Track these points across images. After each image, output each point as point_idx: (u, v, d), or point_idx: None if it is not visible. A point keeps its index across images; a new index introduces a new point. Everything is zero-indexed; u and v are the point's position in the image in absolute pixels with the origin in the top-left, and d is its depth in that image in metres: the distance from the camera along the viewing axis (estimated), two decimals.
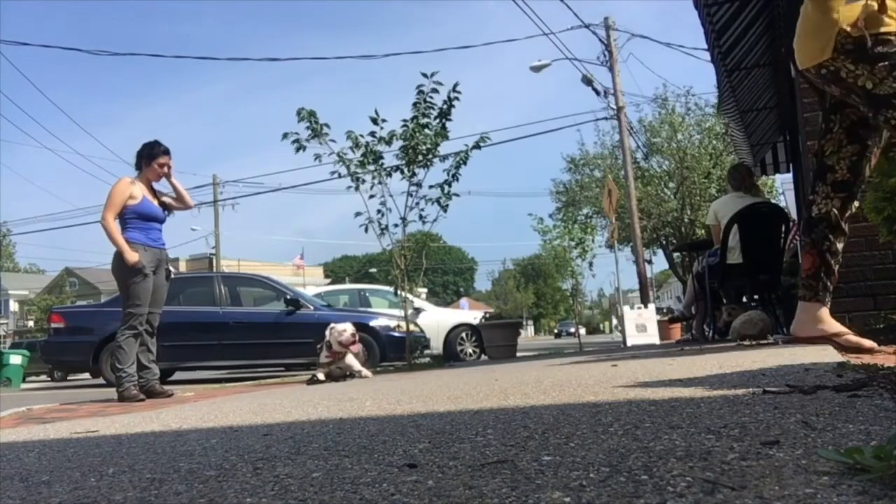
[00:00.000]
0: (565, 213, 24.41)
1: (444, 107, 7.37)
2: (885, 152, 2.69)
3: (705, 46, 6.68)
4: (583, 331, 33.39)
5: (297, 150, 7.27)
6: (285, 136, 7.25)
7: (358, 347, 5.37)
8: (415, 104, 7.33)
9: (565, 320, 70.62)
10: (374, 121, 7.31)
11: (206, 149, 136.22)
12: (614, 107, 17.81)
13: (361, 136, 7.42)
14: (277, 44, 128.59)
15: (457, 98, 7.36)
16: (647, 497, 0.95)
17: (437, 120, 7.38)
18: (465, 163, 7.49)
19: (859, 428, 1.30)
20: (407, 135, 7.34)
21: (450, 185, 7.45)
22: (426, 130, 7.36)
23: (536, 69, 18.40)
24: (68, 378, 18.40)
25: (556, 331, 71.48)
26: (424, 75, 7.25)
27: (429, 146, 7.37)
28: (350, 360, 5.25)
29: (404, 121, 7.38)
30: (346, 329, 5.25)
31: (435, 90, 7.27)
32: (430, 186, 7.50)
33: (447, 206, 7.47)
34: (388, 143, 7.38)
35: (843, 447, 1.10)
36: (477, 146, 7.53)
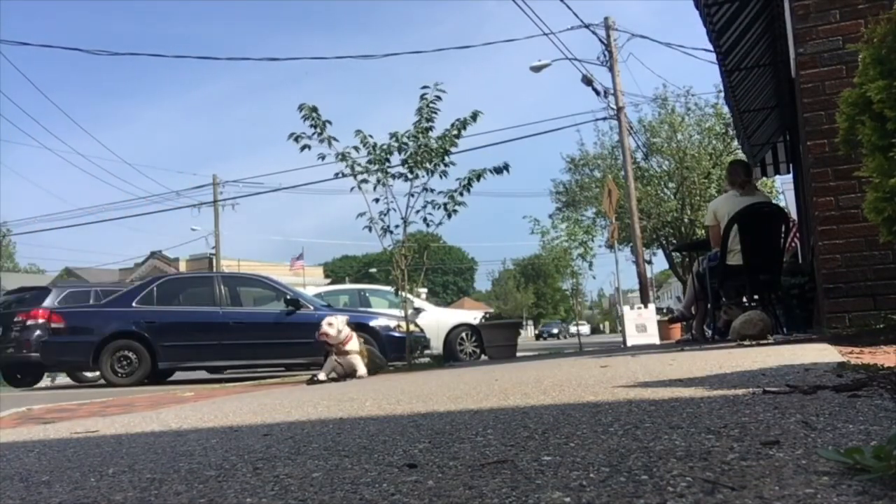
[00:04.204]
0: (566, 213, 24.40)
1: (458, 123, 7.50)
2: (885, 152, 2.69)
3: (705, 46, 6.68)
4: (586, 329, 33.09)
5: (302, 149, 7.30)
6: (291, 136, 7.28)
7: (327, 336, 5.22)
8: (419, 110, 7.38)
9: (548, 322, 68.17)
10: (395, 138, 7.46)
11: (206, 149, 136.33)
12: (614, 107, 17.80)
13: (370, 136, 7.48)
14: (277, 44, 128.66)
15: (471, 123, 7.55)
16: (647, 497, 0.95)
17: (454, 130, 7.50)
18: (478, 179, 7.54)
19: (859, 428, 1.30)
20: (414, 135, 7.40)
21: (461, 195, 7.50)
22: (430, 134, 7.42)
23: (536, 69, 18.40)
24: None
25: (536, 332, 64.11)
26: (426, 87, 7.37)
27: (434, 148, 7.41)
28: (353, 359, 5.24)
29: (415, 124, 7.49)
30: (332, 322, 5.19)
31: (438, 97, 7.34)
32: (440, 192, 7.54)
33: (453, 212, 7.50)
34: (399, 150, 7.46)
35: (843, 447, 1.10)
36: (498, 171, 7.58)
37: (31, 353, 10.57)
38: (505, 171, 7.61)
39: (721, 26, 6.14)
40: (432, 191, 7.52)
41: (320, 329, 5.19)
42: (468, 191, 7.52)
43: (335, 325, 5.18)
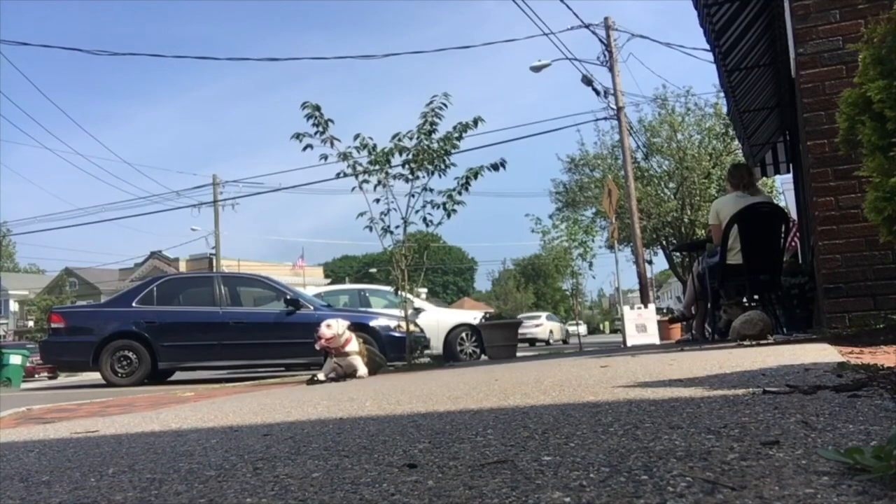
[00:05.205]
0: (565, 214, 24.41)
1: (460, 126, 7.56)
2: (885, 151, 2.69)
3: (705, 46, 6.69)
4: (582, 329, 33.29)
5: (305, 148, 7.34)
6: (295, 135, 7.31)
7: (323, 343, 5.22)
8: (423, 114, 7.43)
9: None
10: (396, 138, 7.50)
11: (206, 149, 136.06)
12: (614, 107, 17.80)
13: (370, 138, 7.52)
14: (277, 44, 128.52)
15: (472, 128, 7.62)
16: (647, 497, 0.95)
17: (456, 133, 7.54)
18: (475, 178, 7.55)
19: (859, 428, 1.30)
20: (417, 136, 7.46)
21: (460, 194, 7.52)
22: (432, 136, 7.46)
23: (536, 69, 18.40)
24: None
25: None
26: (435, 95, 7.51)
27: (436, 150, 7.45)
28: (353, 360, 5.24)
29: (418, 127, 7.54)
30: (330, 325, 5.20)
31: (444, 105, 7.40)
32: (439, 192, 7.56)
33: (453, 212, 7.52)
34: (400, 152, 7.49)
35: (843, 447, 1.10)
36: (495, 167, 7.60)
37: None
38: (501, 168, 7.63)
39: (721, 26, 6.14)
40: (431, 190, 7.55)
41: (318, 331, 5.17)
42: (467, 189, 7.54)
43: (334, 328, 5.17)
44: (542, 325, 30.64)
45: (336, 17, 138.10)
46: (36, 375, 20.44)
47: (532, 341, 29.24)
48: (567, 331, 24.82)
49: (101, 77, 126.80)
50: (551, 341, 30.31)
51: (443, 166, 7.54)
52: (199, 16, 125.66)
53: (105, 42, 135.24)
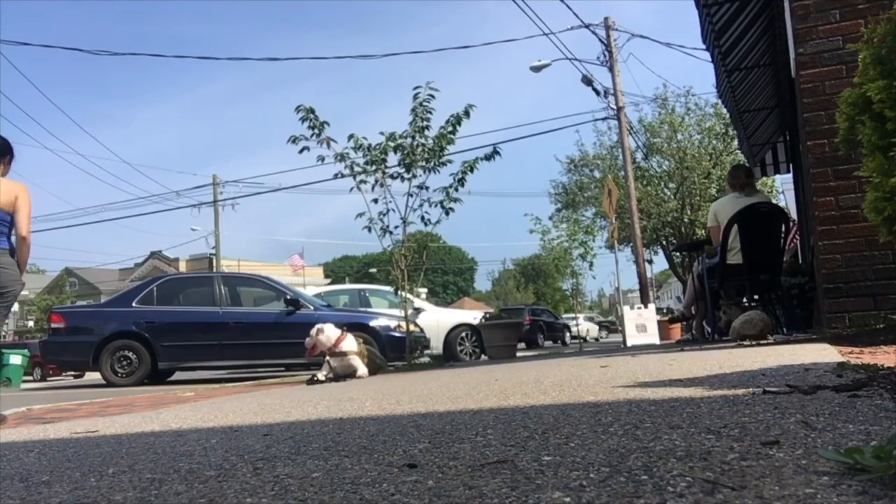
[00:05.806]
0: (564, 214, 24.40)
1: (453, 119, 7.52)
2: (885, 152, 2.69)
3: (705, 46, 6.68)
4: (589, 328, 35.53)
5: (301, 151, 7.35)
6: (291, 139, 7.31)
7: (317, 347, 5.26)
8: (413, 110, 7.41)
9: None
10: (391, 138, 7.49)
11: (206, 149, 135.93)
12: (614, 107, 17.79)
13: (365, 138, 7.53)
14: (277, 44, 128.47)
15: (464, 118, 7.56)
16: (647, 497, 0.95)
17: (449, 127, 7.52)
18: (471, 171, 7.54)
19: (859, 428, 1.30)
20: (411, 135, 7.44)
21: (456, 190, 7.51)
22: (426, 132, 7.45)
23: (536, 69, 18.40)
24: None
25: None
26: (419, 87, 7.44)
27: (431, 147, 7.44)
28: (351, 360, 5.23)
29: (410, 124, 7.52)
30: (311, 334, 5.22)
31: (431, 96, 7.37)
32: (435, 190, 7.56)
33: (450, 209, 7.51)
34: (395, 150, 7.49)
35: (843, 447, 1.10)
36: (488, 157, 7.60)
37: None
38: (497, 155, 7.64)
39: (721, 26, 6.14)
40: (428, 188, 7.55)
41: (305, 345, 5.23)
42: (462, 185, 7.53)
43: (312, 336, 5.21)
44: (579, 325, 35.13)
45: (336, 17, 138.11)
46: (62, 373, 20.32)
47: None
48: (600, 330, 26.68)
49: (101, 77, 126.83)
50: (588, 339, 35.49)
51: (437, 162, 7.53)
52: (200, 16, 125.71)
53: (105, 42, 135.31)
